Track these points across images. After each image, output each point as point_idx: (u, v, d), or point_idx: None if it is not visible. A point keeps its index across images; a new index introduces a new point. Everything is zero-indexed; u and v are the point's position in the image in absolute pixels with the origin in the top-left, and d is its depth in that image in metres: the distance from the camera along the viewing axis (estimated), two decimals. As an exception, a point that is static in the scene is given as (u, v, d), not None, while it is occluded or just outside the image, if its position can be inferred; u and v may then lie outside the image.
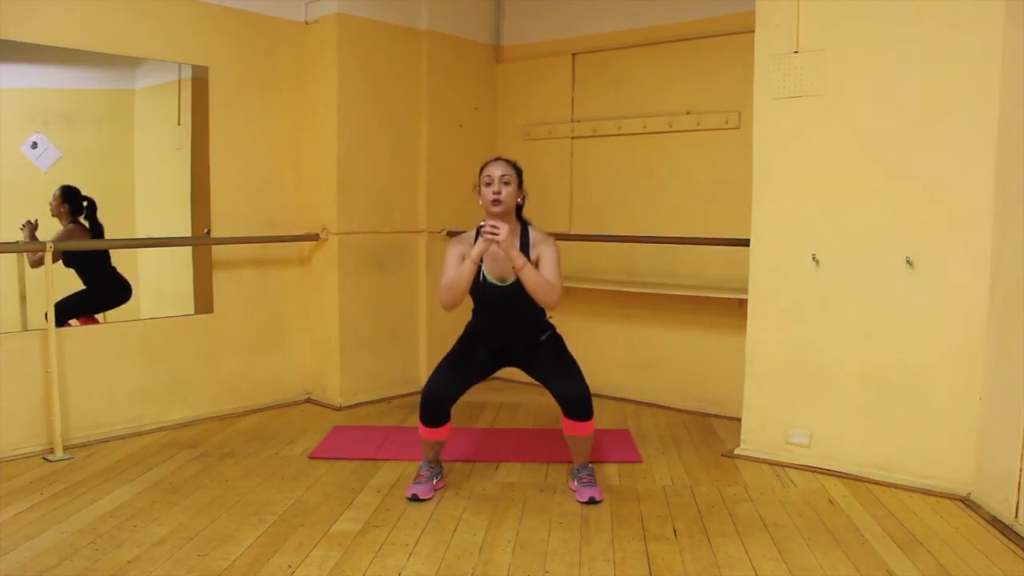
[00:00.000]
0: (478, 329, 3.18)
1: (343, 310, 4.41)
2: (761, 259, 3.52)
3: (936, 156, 3.07)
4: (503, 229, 2.84)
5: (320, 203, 4.41)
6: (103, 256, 4.05)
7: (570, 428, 3.04)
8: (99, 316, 4.09)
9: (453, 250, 3.06)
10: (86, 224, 3.96)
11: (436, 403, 3.01)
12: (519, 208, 3.10)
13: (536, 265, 2.98)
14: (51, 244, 3.49)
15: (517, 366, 3.20)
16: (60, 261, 3.84)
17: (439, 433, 3.07)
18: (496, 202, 2.97)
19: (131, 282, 4.14)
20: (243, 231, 4.20)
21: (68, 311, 3.83)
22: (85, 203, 3.95)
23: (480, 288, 3.03)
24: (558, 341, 3.20)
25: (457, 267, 2.99)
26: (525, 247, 3.02)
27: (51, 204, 3.88)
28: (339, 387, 4.43)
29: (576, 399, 2.99)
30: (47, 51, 3.53)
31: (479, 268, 2.98)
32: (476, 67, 5.02)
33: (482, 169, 3.05)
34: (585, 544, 2.65)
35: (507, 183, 2.99)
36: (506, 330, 3.14)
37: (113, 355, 3.79)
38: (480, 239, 2.91)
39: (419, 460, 3.24)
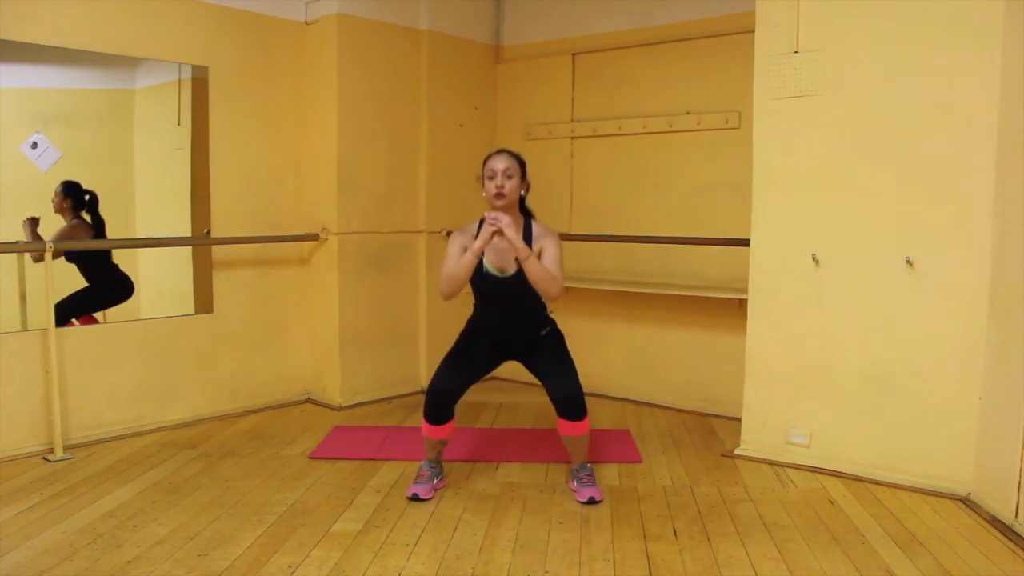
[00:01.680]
0: (479, 322, 3.18)
1: (343, 310, 4.41)
2: (761, 259, 3.52)
3: (936, 156, 3.07)
4: (505, 219, 2.84)
5: (320, 203, 4.41)
6: (104, 252, 4.04)
7: (564, 428, 3.05)
8: (99, 316, 4.09)
9: (455, 241, 3.06)
10: (88, 219, 3.96)
11: (441, 399, 3.02)
12: (522, 199, 3.10)
13: (538, 258, 2.99)
14: (51, 244, 3.49)
15: (517, 359, 3.19)
16: (62, 257, 3.84)
17: (442, 431, 3.07)
18: (499, 195, 2.97)
19: (132, 282, 4.14)
20: (243, 231, 4.20)
21: (70, 310, 3.83)
22: (87, 197, 3.95)
23: (481, 279, 3.03)
24: (558, 337, 3.19)
25: (458, 258, 3.00)
26: (528, 239, 3.02)
27: (53, 200, 3.88)
28: (339, 387, 4.43)
29: (568, 398, 3.00)
30: (47, 51, 3.53)
31: (480, 259, 2.98)
32: (476, 67, 5.02)
33: (485, 161, 3.05)
34: (585, 544, 2.65)
35: (510, 177, 2.99)
36: (507, 322, 3.14)
37: (113, 355, 3.79)
38: (483, 229, 2.91)
39: (419, 460, 3.24)
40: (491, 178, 2.99)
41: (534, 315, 3.16)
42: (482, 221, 2.99)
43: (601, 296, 4.61)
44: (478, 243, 2.91)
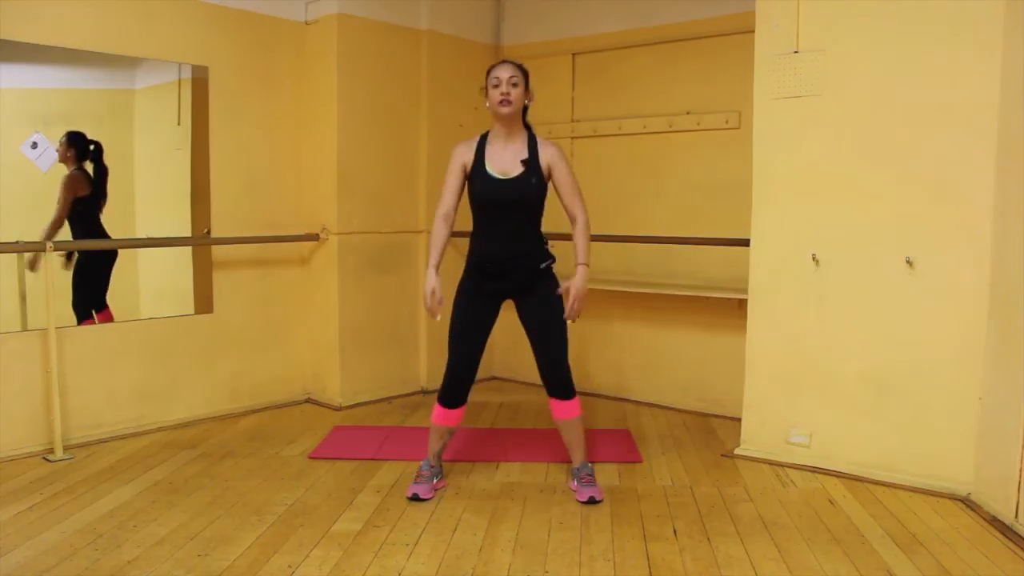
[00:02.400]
0: (478, 248, 3.08)
1: (343, 310, 4.41)
2: (761, 259, 3.52)
3: (936, 156, 3.07)
4: (575, 304, 2.97)
5: (320, 203, 4.41)
6: (95, 211, 4.00)
7: (557, 410, 3.08)
8: (109, 306, 4.08)
9: (455, 159, 3.06)
10: (90, 170, 3.94)
11: (461, 376, 3.04)
12: (524, 110, 3.09)
13: (548, 176, 3.04)
14: (51, 244, 3.49)
15: (514, 297, 3.10)
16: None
17: (454, 417, 3.09)
18: (504, 102, 2.95)
19: (132, 282, 4.15)
20: (243, 231, 4.20)
21: (85, 304, 3.84)
22: (92, 146, 3.95)
23: (482, 183, 3.00)
24: (554, 281, 3.10)
25: (454, 184, 3.04)
26: (533, 153, 3.02)
27: (58, 151, 3.87)
28: (339, 387, 4.43)
29: (555, 374, 3.05)
30: (47, 51, 3.53)
31: (483, 164, 3.00)
32: (476, 67, 5.00)
33: (489, 71, 3.03)
34: (585, 544, 2.65)
35: (515, 85, 2.98)
36: (507, 244, 3.03)
37: (113, 355, 3.80)
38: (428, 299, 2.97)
39: (419, 460, 3.24)
40: (496, 86, 2.97)
41: (535, 242, 3.09)
42: (483, 136, 3.04)
43: (601, 296, 4.60)
44: (429, 285, 2.98)
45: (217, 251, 4.16)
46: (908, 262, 3.13)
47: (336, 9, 4.26)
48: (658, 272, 4.48)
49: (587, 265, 3.03)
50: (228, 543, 2.62)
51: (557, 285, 3.09)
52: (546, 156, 3.03)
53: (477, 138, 3.10)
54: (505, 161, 3.00)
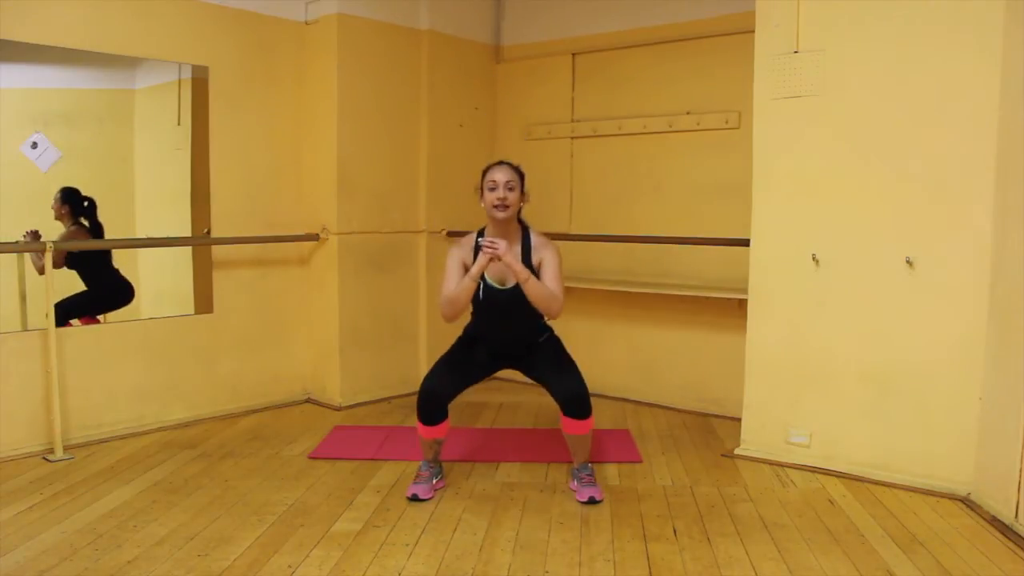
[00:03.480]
0: (477, 330, 3.18)
1: (343, 310, 4.41)
2: (761, 259, 3.52)
3: (936, 156, 3.07)
4: (502, 245, 2.84)
5: (320, 203, 4.41)
6: (105, 257, 4.05)
7: (569, 427, 3.04)
8: (100, 317, 4.09)
9: (453, 258, 3.06)
10: (87, 224, 3.96)
11: (432, 400, 3.01)
12: (519, 211, 3.10)
13: (538, 270, 2.99)
14: (51, 244, 3.49)
15: (515, 368, 3.20)
16: (64, 266, 3.85)
17: (437, 431, 3.06)
18: (501, 207, 2.96)
19: (132, 282, 4.14)
20: (243, 231, 4.20)
21: (70, 311, 3.83)
22: (85, 203, 3.96)
23: (480, 292, 3.02)
24: (556, 342, 3.20)
25: (458, 277, 2.99)
26: (527, 251, 3.01)
27: (53, 207, 3.89)
28: (339, 387, 4.43)
29: (574, 397, 2.99)
30: (47, 51, 3.53)
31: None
32: (476, 67, 5.02)
33: (485, 173, 3.03)
34: (585, 544, 2.65)
35: (512, 189, 2.98)
36: (505, 332, 3.14)
37: (113, 355, 3.79)
38: (480, 255, 2.91)
39: (419, 460, 3.24)
40: (492, 189, 2.98)
41: (532, 325, 3.15)
42: (479, 234, 2.99)
43: (601, 296, 4.61)
44: (475, 269, 2.92)
45: (217, 251, 4.16)
46: (908, 262, 3.13)
47: (336, 9, 4.26)
48: (658, 272, 4.48)
49: (527, 280, 2.88)
50: (228, 543, 2.62)
51: (552, 337, 3.19)
52: (537, 253, 3.02)
53: (473, 237, 3.08)
54: (502, 270, 3.00)
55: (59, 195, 3.89)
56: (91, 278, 4.01)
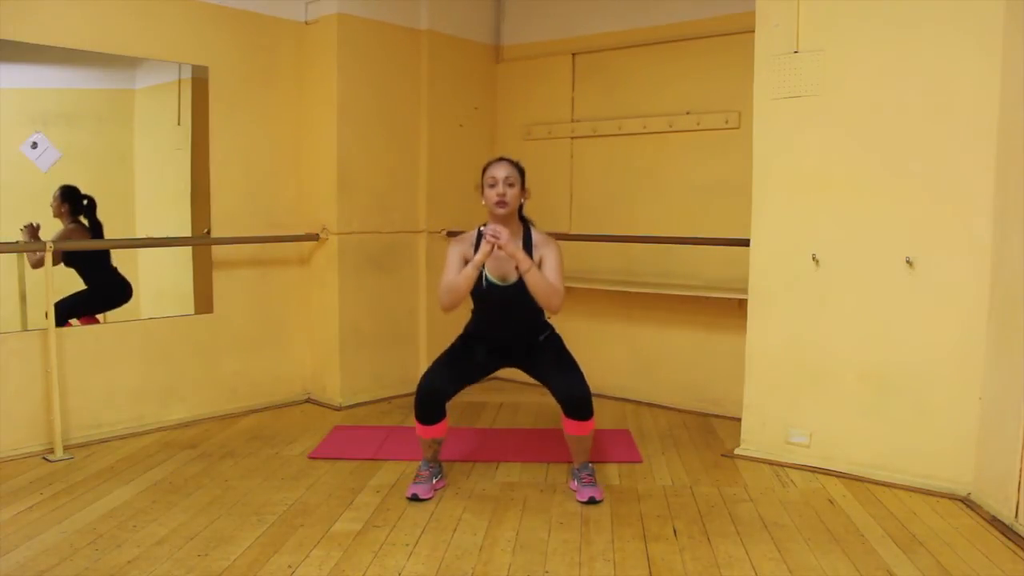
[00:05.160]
0: (477, 328, 3.17)
1: (343, 310, 4.41)
2: (761, 259, 3.52)
3: (936, 156, 3.07)
4: (504, 233, 2.84)
5: (320, 203, 4.42)
6: (103, 256, 4.05)
7: (571, 428, 3.04)
8: (100, 317, 4.09)
9: (454, 251, 3.06)
10: (86, 223, 3.96)
11: (430, 399, 3.00)
12: (520, 207, 3.10)
13: (539, 265, 2.99)
14: (51, 244, 3.49)
15: (516, 366, 3.20)
16: (62, 264, 3.84)
17: (435, 431, 3.06)
18: (501, 204, 2.96)
19: (132, 282, 4.14)
20: (243, 231, 4.20)
21: (69, 311, 3.83)
22: (85, 202, 3.96)
23: (481, 288, 3.02)
24: (557, 340, 3.20)
25: (458, 269, 2.99)
26: (528, 248, 3.01)
27: (52, 205, 3.89)
28: (339, 387, 4.43)
29: (577, 398, 2.99)
30: (47, 51, 3.53)
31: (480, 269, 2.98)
32: (476, 67, 5.02)
33: (485, 169, 3.04)
34: (585, 544, 2.65)
35: (511, 185, 2.98)
36: (505, 330, 3.14)
37: (113, 355, 3.79)
38: (482, 244, 2.90)
39: (419, 460, 3.24)
40: (492, 186, 2.98)
41: (533, 322, 3.15)
42: (480, 230, 2.99)
43: (601, 296, 4.61)
44: (478, 257, 2.90)
45: (217, 251, 4.16)
46: (908, 262, 3.13)
47: (336, 9, 4.26)
48: (658, 272, 4.48)
49: (528, 269, 2.88)
50: (228, 543, 2.62)
51: (553, 335, 3.20)
52: (539, 250, 3.03)
53: (473, 233, 3.08)
54: (503, 266, 3.00)
55: (58, 193, 3.89)
56: (89, 276, 4.01)
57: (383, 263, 4.60)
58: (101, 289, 4.08)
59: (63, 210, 3.91)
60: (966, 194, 3.01)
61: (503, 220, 2.99)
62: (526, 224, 3.10)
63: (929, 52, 3.05)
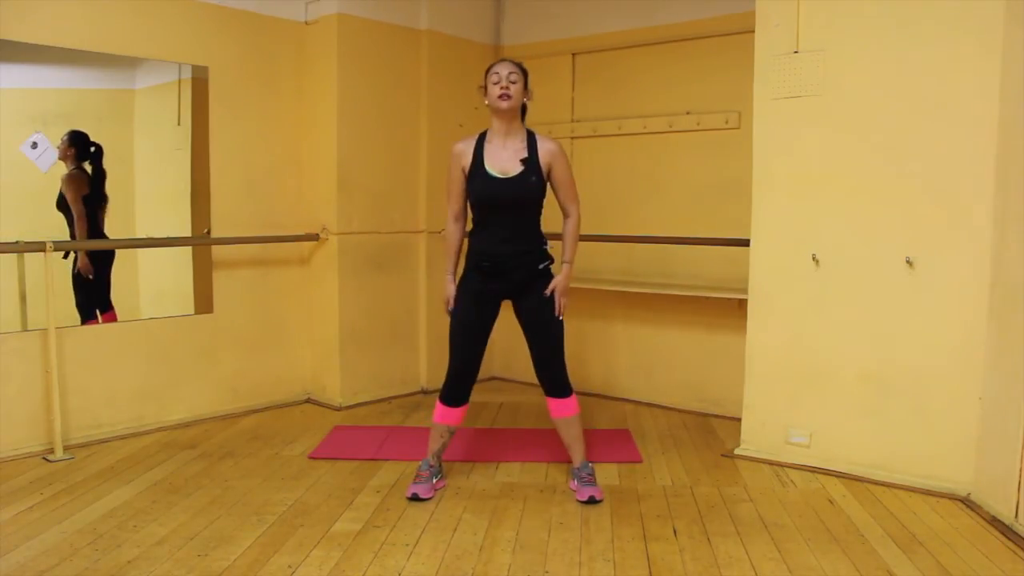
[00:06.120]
0: (475, 247, 3.08)
1: (343, 310, 4.41)
2: (761, 259, 3.52)
3: (936, 156, 3.07)
4: (559, 287, 3.05)
5: (320, 203, 4.42)
6: (94, 205, 3.99)
7: (554, 408, 3.10)
8: (112, 308, 4.08)
9: (455, 162, 3.07)
10: (89, 170, 3.94)
11: (463, 375, 3.07)
12: (523, 109, 3.09)
13: (548, 175, 3.05)
14: (50, 244, 3.49)
15: (512, 298, 3.11)
16: (55, 204, 3.86)
17: (455, 415, 3.10)
18: (504, 96, 2.94)
19: (131, 282, 4.15)
20: (243, 231, 4.20)
21: (92, 303, 3.85)
22: (92, 148, 3.95)
23: (482, 182, 2.99)
24: (551, 302, 3.09)
25: (458, 190, 3.06)
26: (533, 151, 3.01)
27: (59, 147, 3.87)
28: (339, 387, 4.43)
29: (551, 377, 3.09)
30: (47, 51, 3.53)
31: (482, 163, 2.99)
32: (476, 67, 4.99)
33: (489, 69, 3.03)
34: (585, 544, 2.65)
35: (514, 81, 2.98)
36: (506, 244, 3.02)
37: (113, 355, 3.80)
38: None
39: (419, 460, 3.24)
40: (495, 83, 2.97)
41: (534, 242, 3.08)
42: (482, 135, 3.05)
43: (601, 296, 4.61)
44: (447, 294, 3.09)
45: (217, 251, 4.16)
46: (908, 262, 3.13)
47: (336, 9, 4.26)
48: (658, 272, 4.48)
49: (571, 264, 3.11)
50: (228, 543, 2.62)
51: (550, 273, 3.16)
52: (546, 155, 3.04)
53: (476, 136, 3.09)
54: (504, 160, 3.00)
55: (67, 137, 3.87)
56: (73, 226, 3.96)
57: (383, 263, 4.60)
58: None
59: (69, 153, 3.89)
60: (966, 194, 3.01)
61: (506, 118, 2.99)
62: (529, 131, 3.09)
63: (929, 52, 3.05)
